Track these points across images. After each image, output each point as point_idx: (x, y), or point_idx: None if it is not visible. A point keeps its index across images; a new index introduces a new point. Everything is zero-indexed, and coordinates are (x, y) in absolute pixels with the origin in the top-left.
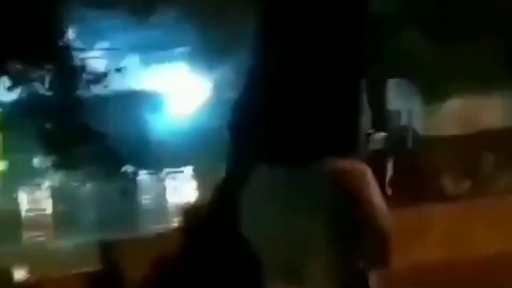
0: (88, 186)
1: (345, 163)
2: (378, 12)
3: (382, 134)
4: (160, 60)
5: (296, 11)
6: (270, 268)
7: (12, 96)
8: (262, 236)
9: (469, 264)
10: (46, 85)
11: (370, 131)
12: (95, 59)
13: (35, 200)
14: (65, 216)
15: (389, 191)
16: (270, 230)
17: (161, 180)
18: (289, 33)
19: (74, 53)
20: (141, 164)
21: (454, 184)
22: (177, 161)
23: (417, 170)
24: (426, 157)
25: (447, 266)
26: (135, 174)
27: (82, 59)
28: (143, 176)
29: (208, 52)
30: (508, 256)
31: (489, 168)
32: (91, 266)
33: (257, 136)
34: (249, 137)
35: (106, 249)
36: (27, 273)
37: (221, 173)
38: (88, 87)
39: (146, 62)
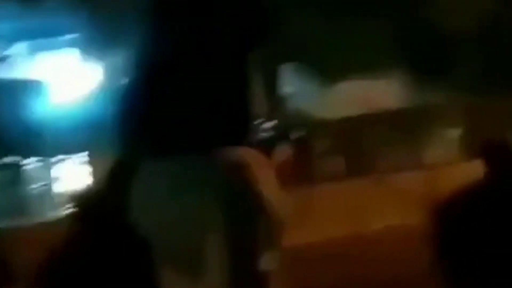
0: None
1: (235, 152)
2: None
3: (274, 121)
4: (48, 48)
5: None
6: (161, 257)
7: None
8: (153, 225)
9: (359, 240)
10: None
11: (261, 119)
12: None
13: None
14: None
15: (281, 175)
16: (161, 220)
17: (50, 168)
18: (177, 21)
19: None
20: (28, 152)
21: (344, 164)
22: (66, 149)
23: (309, 153)
24: (317, 140)
25: (339, 242)
26: (22, 162)
27: None
28: (32, 164)
29: (97, 40)
30: (395, 230)
31: (377, 148)
32: None
33: (146, 125)
34: (137, 126)
35: None
36: None
37: (111, 161)
38: None
39: (33, 50)
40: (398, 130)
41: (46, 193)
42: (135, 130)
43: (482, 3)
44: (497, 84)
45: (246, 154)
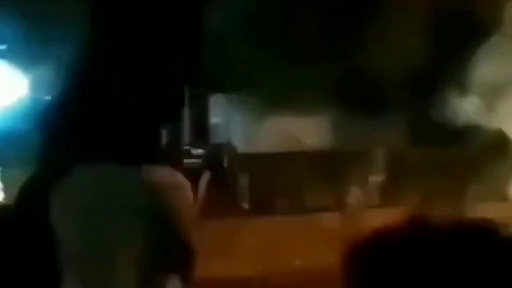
0: None
1: (163, 173)
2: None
3: (201, 150)
4: None
5: (121, 16)
6: (72, 271)
7: None
8: (71, 239)
9: (277, 276)
10: None
11: (189, 146)
12: None
13: None
14: None
15: (202, 206)
16: (79, 234)
17: None
18: (112, 38)
19: None
20: None
21: (266, 200)
22: None
23: (232, 185)
24: (244, 174)
25: (257, 278)
26: None
27: None
28: None
29: (24, 51)
30: (311, 270)
31: (301, 186)
32: None
33: (73, 135)
34: (64, 137)
35: None
36: None
37: (32, 171)
38: None
39: None
40: (323, 170)
41: None
42: (62, 140)
43: (415, 52)
44: (423, 133)
45: (174, 175)
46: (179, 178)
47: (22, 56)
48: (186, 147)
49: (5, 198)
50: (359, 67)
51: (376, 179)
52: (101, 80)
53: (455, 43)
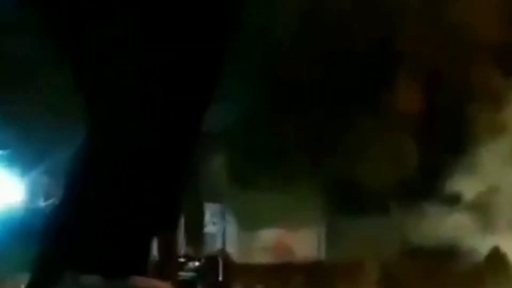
0: None
1: (155, 284)
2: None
3: (196, 262)
4: None
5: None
6: None
7: None
8: None
9: None
10: None
11: (183, 258)
12: None
13: None
14: None
15: None
16: None
17: None
18: (107, 147)
19: None
20: None
21: None
22: None
23: None
24: (236, 285)
25: None
26: None
27: None
28: None
29: (25, 157)
30: None
31: None
32: None
33: (68, 243)
34: (60, 244)
35: None
36: None
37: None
38: None
39: None
40: (315, 281)
41: None
42: (58, 247)
43: (406, 159)
44: (415, 244)
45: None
46: None
47: (19, 161)
48: (181, 259)
49: None
50: (351, 176)
51: (372, 286)
52: (95, 188)
53: (447, 151)
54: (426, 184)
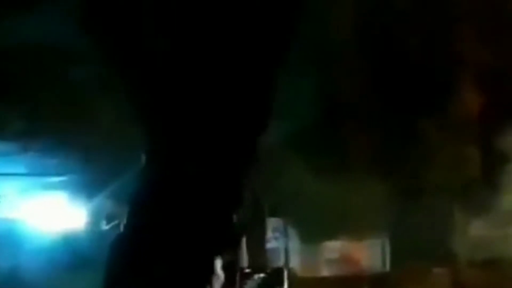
0: None
1: None
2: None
3: (260, 275)
4: (36, 188)
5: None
6: None
7: None
8: None
9: None
10: None
11: (248, 270)
12: None
13: None
14: None
15: None
16: None
17: None
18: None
19: None
20: None
21: None
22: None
23: None
24: None
25: None
26: None
27: None
28: None
29: (86, 183)
30: None
31: None
32: None
33: (137, 267)
34: (129, 268)
35: None
36: None
37: None
38: None
39: (22, 190)
40: None
41: None
42: (121, 276)
43: (470, 171)
44: None
45: None
46: None
47: (82, 187)
48: (247, 270)
49: None
50: (414, 185)
51: None
52: (160, 214)
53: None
54: (492, 192)
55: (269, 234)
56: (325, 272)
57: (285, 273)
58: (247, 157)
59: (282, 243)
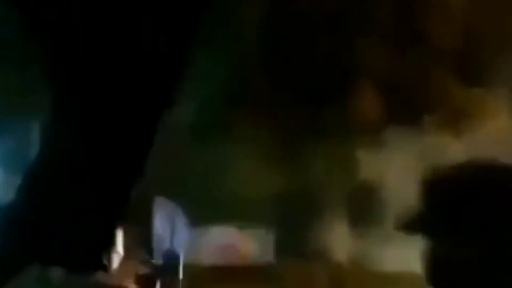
0: None
1: (118, 280)
2: None
3: (148, 258)
4: None
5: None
6: None
7: None
8: None
9: None
10: None
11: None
12: None
13: None
14: None
15: None
16: None
17: None
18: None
19: None
20: None
21: None
22: None
23: None
24: (188, 285)
25: None
26: None
27: None
28: None
29: None
30: None
31: None
32: None
33: (33, 237)
34: (24, 238)
35: None
36: None
37: None
38: None
39: None
40: (264, 282)
41: None
42: (22, 240)
43: None
44: None
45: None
46: (129, 286)
47: None
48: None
49: None
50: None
51: None
52: (53, 185)
53: None
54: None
55: (157, 216)
56: (212, 259)
57: (174, 257)
58: (147, 135)
59: (169, 227)
